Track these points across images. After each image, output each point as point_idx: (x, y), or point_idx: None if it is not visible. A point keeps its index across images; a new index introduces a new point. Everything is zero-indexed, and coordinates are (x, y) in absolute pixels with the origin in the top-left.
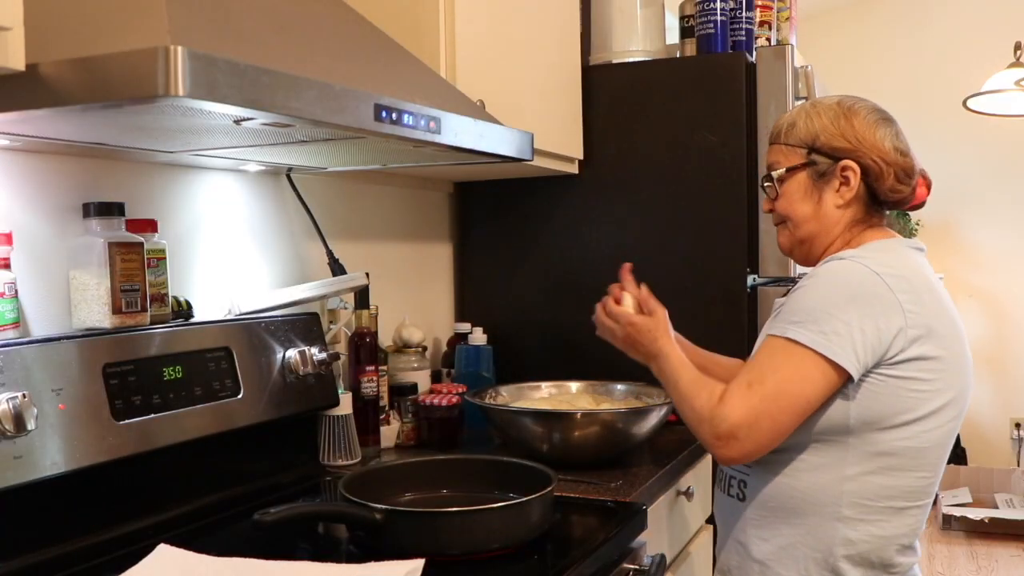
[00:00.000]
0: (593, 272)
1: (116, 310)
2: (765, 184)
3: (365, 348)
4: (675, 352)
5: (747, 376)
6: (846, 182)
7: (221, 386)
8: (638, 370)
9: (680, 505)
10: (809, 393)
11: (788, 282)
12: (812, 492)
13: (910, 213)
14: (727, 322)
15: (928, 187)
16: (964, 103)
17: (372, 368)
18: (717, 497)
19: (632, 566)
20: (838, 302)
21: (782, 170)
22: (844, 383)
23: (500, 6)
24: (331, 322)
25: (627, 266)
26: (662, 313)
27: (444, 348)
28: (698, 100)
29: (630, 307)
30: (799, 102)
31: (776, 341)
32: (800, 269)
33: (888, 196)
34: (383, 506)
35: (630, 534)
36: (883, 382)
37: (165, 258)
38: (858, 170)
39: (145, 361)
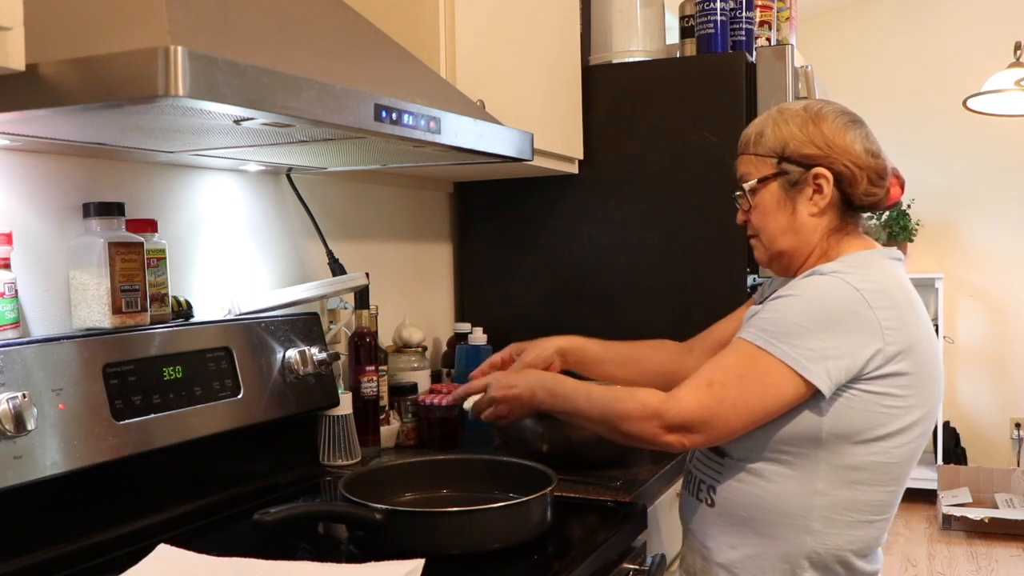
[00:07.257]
0: (593, 272)
1: (116, 310)
2: (737, 196)
3: (365, 348)
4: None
5: (709, 374)
6: (819, 190)
7: (221, 386)
8: None
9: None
10: (770, 404)
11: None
12: (782, 504)
13: (910, 213)
14: None
15: (902, 186)
16: (964, 103)
17: (372, 368)
18: (684, 498)
19: (632, 566)
20: (816, 320)
21: (753, 181)
22: (812, 397)
23: (500, 6)
24: (331, 322)
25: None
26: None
27: (444, 348)
28: (698, 100)
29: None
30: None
31: (746, 347)
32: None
33: (862, 200)
34: (383, 506)
35: (630, 534)
36: (857, 397)
37: (165, 258)
38: (831, 177)
39: (145, 361)
